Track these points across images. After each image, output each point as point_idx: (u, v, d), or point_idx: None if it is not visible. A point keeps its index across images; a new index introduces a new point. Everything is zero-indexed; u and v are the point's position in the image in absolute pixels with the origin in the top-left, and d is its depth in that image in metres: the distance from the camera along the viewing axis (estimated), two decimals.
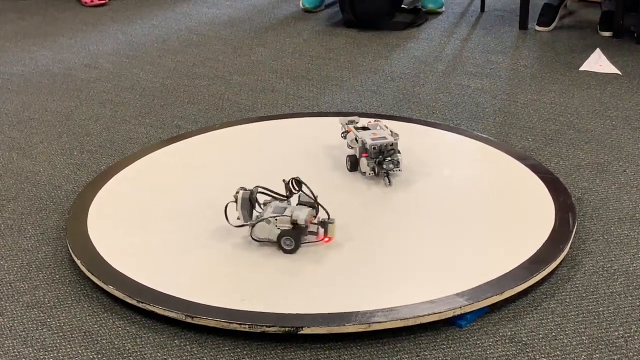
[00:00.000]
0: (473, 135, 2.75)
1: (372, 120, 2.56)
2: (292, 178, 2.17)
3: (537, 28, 3.96)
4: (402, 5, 4.19)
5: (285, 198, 2.17)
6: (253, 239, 2.10)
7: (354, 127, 2.51)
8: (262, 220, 2.08)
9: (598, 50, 3.58)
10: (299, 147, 2.68)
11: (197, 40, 3.96)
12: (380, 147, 2.38)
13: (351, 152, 2.50)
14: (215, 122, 2.99)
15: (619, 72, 3.36)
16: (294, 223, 2.07)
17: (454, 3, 4.44)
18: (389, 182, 2.37)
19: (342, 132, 2.56)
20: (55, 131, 2.96)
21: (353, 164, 2.47)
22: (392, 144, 2.40)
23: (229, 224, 2.13)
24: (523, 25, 3.98)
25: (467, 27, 4.06)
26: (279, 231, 2.07)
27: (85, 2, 4.60)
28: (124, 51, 3.83)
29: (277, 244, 2.08)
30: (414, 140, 2.67)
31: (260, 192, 2.16)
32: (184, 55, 3.76)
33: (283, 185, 2.17)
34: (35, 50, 3.86)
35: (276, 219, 2.07)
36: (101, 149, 2.81)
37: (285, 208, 2.12)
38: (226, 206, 2.13)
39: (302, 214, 2.08)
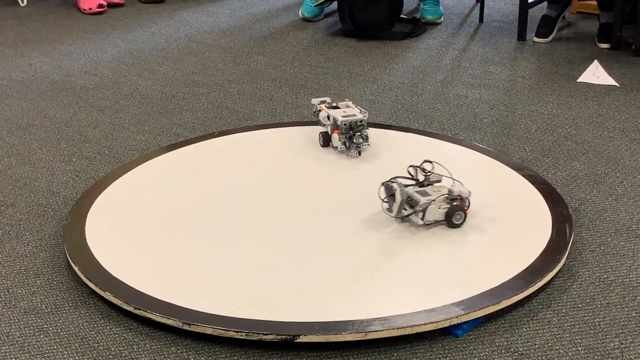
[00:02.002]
0: (471, 145, 2.75)
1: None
2: (424, 161, 2.32)
3: (536, 39, 3.97)
4: (401, 16, 4.21)
5: (417, 182, 2.30)
6: (425, 223, 2.19)
7: (325, 106, 2.72)
8: (431, 203, 2.18)
9: (596, 62, 3.60)
10: (298, 156, 2.69)
11: (196, 49, 3.97)
12: (351, 123, 2.62)
13: (323, 129, 2.72)
14: (214, 130, 3.00)
15: (616, 84, 3.37)
16: (459, 198, 2.19)
17: (453, 14, 4.46)
18: (359, 154, 2.63)
19: (315, 111, 2.75)
20: (54, 137, 2.97)
21: (325, 140, 2.71)
22: (361, 121, 2.63)
23: (392, 217, 2.23)
24: (521, 36, 3.99)
25: (465, 37, 4.08)
26: (446, 210, 2.18)
27: (85, 10, 4.61)
28: (123, 59, 3.84)
29: (447, 221, 2.19)
30: (411, 150, 2.68)
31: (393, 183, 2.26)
32: (183, 63, 3.77)
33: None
34: (35, 57, 3.87)
35: (447, 197, 2.20)
36: (100, 155, 2.81)
37: (437, 189, 2.25)
38: (386, 201, 2.25)
39: (463, 188, 2.21)
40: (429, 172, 2.30)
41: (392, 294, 1.95)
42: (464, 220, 2.21)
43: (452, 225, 2.20)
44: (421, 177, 2.31)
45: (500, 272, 2.01)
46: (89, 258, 2.11)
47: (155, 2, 4.81)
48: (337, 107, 2.71)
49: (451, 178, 2.29)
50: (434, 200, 2.20)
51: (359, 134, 2.62)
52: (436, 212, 2.19)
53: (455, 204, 2.21)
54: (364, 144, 2.63)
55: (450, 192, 2.22)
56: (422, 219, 2.19)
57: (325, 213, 2.32)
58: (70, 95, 3.38)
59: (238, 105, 3.24)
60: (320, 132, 2.71)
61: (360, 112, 2.66)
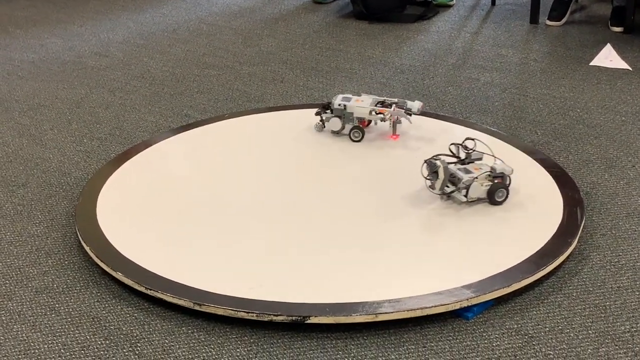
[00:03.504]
0: (482, 128, 2.74)
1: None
2: (465, 138, 2.33)
3: (548, 22, 3.95)
4: None
5: (459, 159, 2.32)
6: (468, 200, 2.21)
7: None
8: (474, 181, 2.19)
9: (609, 45, 3.57)
10: (308, 138, 2.68)
11: (207, 30, 3.97)
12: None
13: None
14: (225, 111, 3.00)
15: (629, 68, 3.35)
16: (501, 175, 2.22)
17: None
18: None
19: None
20: (65, 118, 2.97)
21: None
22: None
23: (436, 194, 2.25)
24: (534, 19, 3.97)
25: (477, 20, 4.06)
26: (488, 187, 2.20)
27: None
28: (134, 40, 3.84)
29: (489, 198, 2.21)
30: (422, 132, 2.67)
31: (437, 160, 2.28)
32: (194, 44, 3.76)
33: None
34: (46, 38, 3.87)
35: (489, 175, 2.23)
36: (111, 136, 2.82)
37: (478, 166, 2.26)
38: (429, 178, 2.26)
39: (505, 166, 2.23)
40: (471, 149, 2.31)
41: (403, 276, 1.95)
42: (506, 198, 2.23)
43: (495, 203, 2.22)
44: (463, 155, 2.32)
45: (511, 255, 2.00)
46: (101, 238, 2.12)
47: None
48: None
49: (493, 156, 2.30)
50: (476, 177, 2.21)
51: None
52: (479, 189, 2.21)
53: (497, 181, 2.22)
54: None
55: (492, 169, 2.24)
56: (466, 195, 2.21)
57: (337, 195, 2.32)
58: (81, 76, 3.39)
59: (249, 87, 3.24)
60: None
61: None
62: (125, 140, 2.79)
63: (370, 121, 2.69)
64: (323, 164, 2.52)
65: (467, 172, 2.24)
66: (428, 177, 2.27)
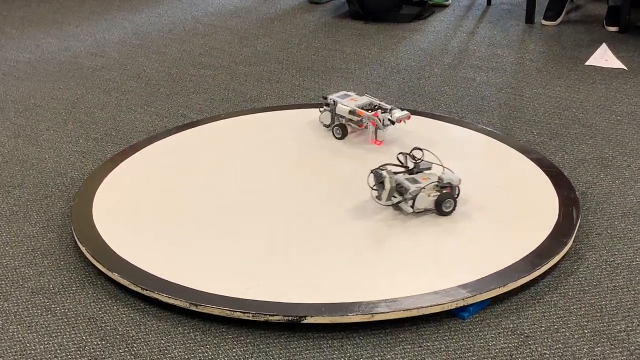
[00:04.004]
0: (478, 128, 2.75)
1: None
2: (413, 148, 2.29)
3: (544, 22, 3.95)
4: None
5: (406, 169, 2.28)
6: (414, 211, 2.17)
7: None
8: (421, 191, 2.16)
9: (604, 45, 3.58)
10: (304, 138, 2.69)
11: (203, 30, 3.97)
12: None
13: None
14: (221, 111, 3.00)
15: (624, 67, 3.36)
16: (448, 185, 2.17)
17: None
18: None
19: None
20: (61, 119, 2.97)
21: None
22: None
23: (381, 205, 2.20)
24: (529, 19, 3.97)
25: (473, 20, 4.06)
26: (435, 198, 2.16)
27: None
28: (130, 40, 3.83)
29: (437, 209, 2.17)
30: (418, 132, 2.67)
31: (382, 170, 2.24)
32: (190, 44, 3.76)
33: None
34: (42, 38, 3.87)
35: (436, 185, 2.17)
36: (106, 137, 2.82)
37: (427, 176, 2.22)
38: (375, 189, 2.23)
39: (453, 176, 2.19)
40: (419, 159, 2.27)
41: (399, 276, 1.96)
42: (454, 209, 2.18)
43: (442, 213, 2.17)
44: (411, 165, 2.28)
45: (507, 255, 2.01)
46: (97, 239, 2.12)
47: None
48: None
49: (441, 165, 2.26)
50: (423, 187, 2.17)
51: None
52: (426, 199, 2.16)
53: (445, 191, 2.18)
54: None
55: (440, 179, 2.19)
56: (412, 206, 2.16)
57: (334, 195, 2.32)
58: (77, 76, 3.38)
59: (245, 87, 3.24)
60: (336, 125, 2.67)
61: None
62: (121, 140, 2.79)
63: (360, 121, 2.64)
64: (319, 164, 2.53)
65: (415, 182, 2.19)
66: (374, 187, 2.22)
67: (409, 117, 2.57)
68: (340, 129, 2.64)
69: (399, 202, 2.18)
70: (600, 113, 2.93)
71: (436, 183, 2.18)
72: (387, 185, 2.17)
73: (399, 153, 2.32)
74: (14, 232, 2.26)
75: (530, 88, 3.18)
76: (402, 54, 3.58)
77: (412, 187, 2.16)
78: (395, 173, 2.22)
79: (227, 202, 2.29)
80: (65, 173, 2.58)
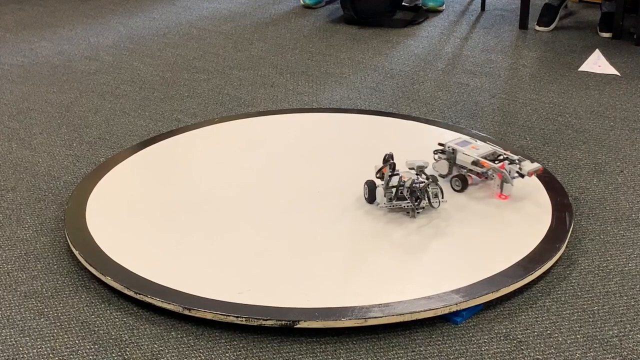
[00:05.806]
0: (471, 133, 2.75)
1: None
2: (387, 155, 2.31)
3: (537, 28, 3.96)
4: (403, 3, 4.20)
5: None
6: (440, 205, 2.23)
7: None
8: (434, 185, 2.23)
9: (597, 51, 3.59)
10: (298, 143, 2.69)
11: (197, 34, 3.97)
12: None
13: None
14: (215, 116, 3.00)
15: (617, 73, 3.37)
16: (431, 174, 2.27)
17: (455, 1, 4.45)
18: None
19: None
20: (55, 122, 2.97)
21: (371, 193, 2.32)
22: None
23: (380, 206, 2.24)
24: (523, 24, 3.98)
25: (467, 25, 4.07)
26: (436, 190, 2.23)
27: None
28: (124, 44, 3.83)
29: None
30: (412, 138, 2.68)
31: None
32: (184, 49, 3.76)
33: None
34: (36, 42, 3.86)
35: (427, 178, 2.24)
36: (100, 140, 2.81)
37: (406, 176, 2.25)
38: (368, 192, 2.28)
39: (421, 164, 2.28)
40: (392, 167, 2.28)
41: (392, 281, 1.96)
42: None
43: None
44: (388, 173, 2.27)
45: (500, 260, 2.01)
46: (90, 242, 2.12)
47: None
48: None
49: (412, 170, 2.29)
50: (430, 182, 2.22)
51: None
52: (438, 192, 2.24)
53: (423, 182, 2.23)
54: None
55: (420, 172, 2.26)
56: (442, 199, 2.23)
57: (325, 200, 2.32)
58: (71, 80, 3.38)
59: (239, 92, 3.24)
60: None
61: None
62: (114, 144, 2.78)
63: (485, 174, 2.35)
64: (313, 169, 2.53)
65: (420, 181, 2.23)
66: (367, 197, 2.28)
67: (542, 170, 2.34)
68: (460, 181, 2.36)
69: (418, 204, 2.21)
70: (593, 119, 2.94)
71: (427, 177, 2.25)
72: (381, 193, 2.21)
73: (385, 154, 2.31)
74: (6, 236, 2.25)
75: (523, 93, 3.18)
76: (396, 59, 3.58)
77: (431, 185, 2.22)
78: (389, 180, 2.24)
79: (219, 207, 2.29)
80: (59, 177, 2.57)
